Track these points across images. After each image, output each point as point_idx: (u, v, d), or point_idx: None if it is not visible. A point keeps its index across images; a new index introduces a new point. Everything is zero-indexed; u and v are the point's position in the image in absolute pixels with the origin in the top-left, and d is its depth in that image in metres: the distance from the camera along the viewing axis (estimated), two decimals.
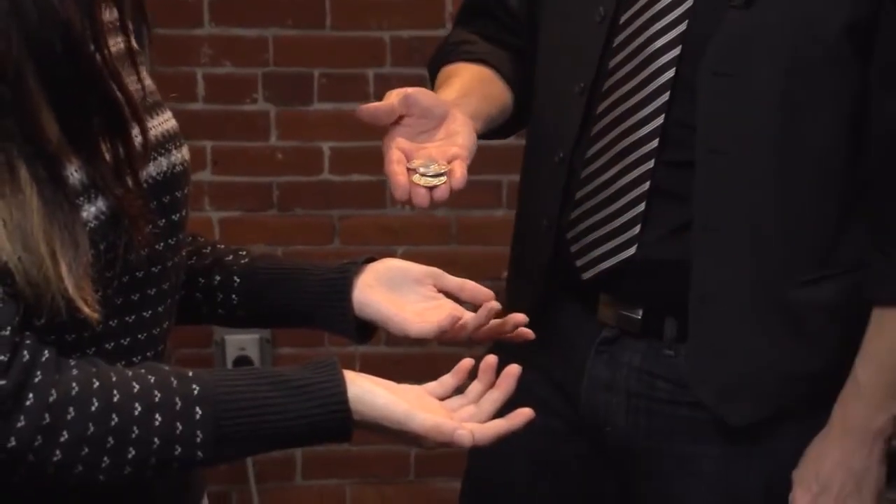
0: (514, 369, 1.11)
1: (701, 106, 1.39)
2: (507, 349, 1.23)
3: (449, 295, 1.22)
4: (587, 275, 1.48)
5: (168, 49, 2.73)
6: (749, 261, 1.42)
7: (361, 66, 2.81)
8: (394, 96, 1.33)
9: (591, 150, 1.46)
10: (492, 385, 1.11)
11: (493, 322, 1.17)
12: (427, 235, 2.86)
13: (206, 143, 2.80)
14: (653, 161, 1.41)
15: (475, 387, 1.12)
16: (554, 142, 1.51)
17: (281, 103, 2.80)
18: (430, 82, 1.61)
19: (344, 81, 2.81)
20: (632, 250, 1.43)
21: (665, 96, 1.40)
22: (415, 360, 2.75)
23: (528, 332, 1.20)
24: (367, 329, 1.22)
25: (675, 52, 1.39)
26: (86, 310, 0.95)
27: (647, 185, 1.42)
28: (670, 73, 1.40)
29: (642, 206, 1.42)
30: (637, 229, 1.43)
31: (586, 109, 1.47)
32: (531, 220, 1.57)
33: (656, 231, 1.43)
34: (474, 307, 1.19)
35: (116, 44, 1.05)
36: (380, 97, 1.34)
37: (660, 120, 1.40)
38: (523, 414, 1.08)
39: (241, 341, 2.77)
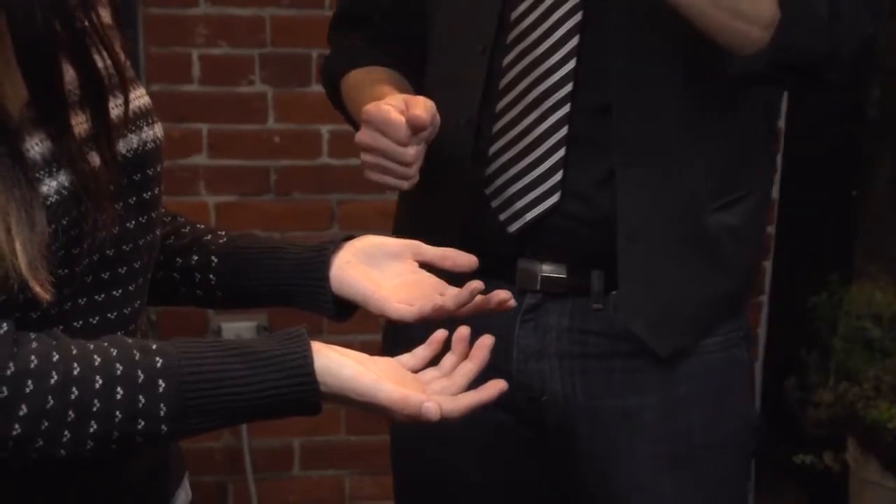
0: (487, 340, 1.10)
1: (611, 44, 1.39)
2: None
3: (430, 266, 1.20)
4: (513, 227, 1.46)
5: (162, 29, 2.70)
6: (670, 194, 1.43)
7: None
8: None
9: (501, 103, 1.45)
10: (465, 357, 1.10)
11: (477, 299, 1.14)
12: None
13: (201, 126, 2.76)
14: (569, 105, 1.41)
15: (448, 359, 1.11)
16: (456, 106, 1.48)
17: (278, 85, 2.76)
18: (331, 86, 1.63)
19: None
20: (555, 197, 1.43)
21: (575, 40, 1.40)
22: None
23: (510, 303, 1.18)
24: (347, 308, 1.20)
25: None
26: (37, 289, 0.93)
27: (565, 131, 1.42)
28: (578, 17, 1.40)
29: (562, 152, 1.42)
30: (559, 175, 1.43)
31: (489, 67, 1.46)
32: (441, 193, 1.51)
33: (579, 179, 1.43)
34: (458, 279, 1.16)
35: (105, 15, 1.03)
36: None
37: (572, 64, 1.41)
38: (495, 385, 1.06)
39: (238, 329, 2.73)
